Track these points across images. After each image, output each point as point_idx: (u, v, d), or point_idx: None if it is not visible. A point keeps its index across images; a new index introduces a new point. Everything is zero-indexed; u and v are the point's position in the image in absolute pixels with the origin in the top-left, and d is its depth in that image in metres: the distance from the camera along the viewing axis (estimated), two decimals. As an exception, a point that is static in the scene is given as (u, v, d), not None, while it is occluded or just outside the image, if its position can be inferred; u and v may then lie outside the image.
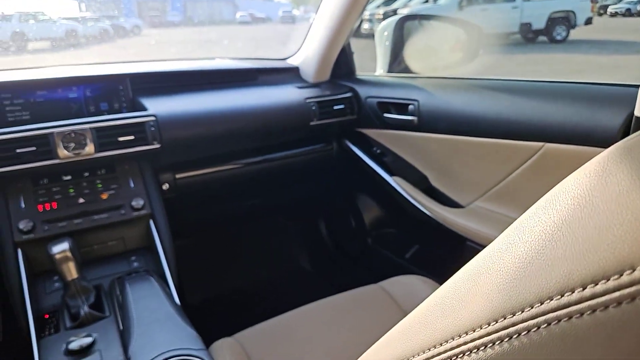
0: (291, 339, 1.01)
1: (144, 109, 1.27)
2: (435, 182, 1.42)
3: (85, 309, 0.93)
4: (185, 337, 0.84)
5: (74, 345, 0.84)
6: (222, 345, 0.99)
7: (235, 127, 1.36)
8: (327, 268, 2.03)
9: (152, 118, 1.22)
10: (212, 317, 1.78)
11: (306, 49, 1.63)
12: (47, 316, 0.98)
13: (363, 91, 1.56)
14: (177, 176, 1.35)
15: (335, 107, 1.53)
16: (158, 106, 1.28)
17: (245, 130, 1.37)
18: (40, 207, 1.10)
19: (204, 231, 1.89)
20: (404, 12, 7.79)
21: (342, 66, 1.65)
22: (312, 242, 2.09)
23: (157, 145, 1.22)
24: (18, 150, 1.07)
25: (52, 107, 1.25)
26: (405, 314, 1.11)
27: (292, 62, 1.70)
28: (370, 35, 1.74)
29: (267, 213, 2.02)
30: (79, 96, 1.28)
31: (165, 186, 1.33)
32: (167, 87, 1.44)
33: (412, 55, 1.58)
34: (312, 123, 1.49)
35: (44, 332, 0.93)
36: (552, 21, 6.92)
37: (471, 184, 1.32)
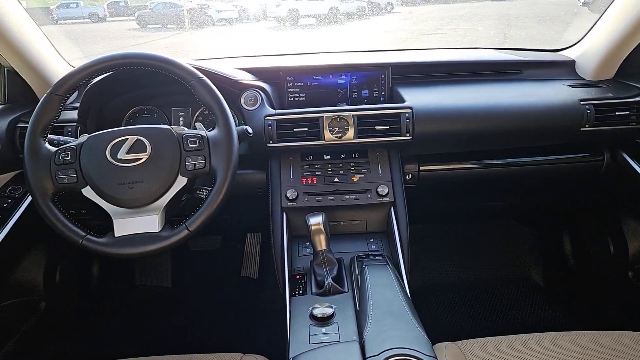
0: None
1: (401, 100, 1.30)
2: None
3: (329, 281, 1.04)
4: (417, 338, 0.85)
5: (318, 312, 0.94)
6: (445, 350, 0.97)
7: (492, 126, 1.27)
8: (563, 290, 1.78)
9: (408, 110, 1.24)
10: (428, 303, 1.79)
11: (590, 40, 1.39)
12: (297, 277, 1.13)
13: None
14: (422, 168, 1.36)
15: (618, 113, 1.27)
16: (414, 97, 1.29)
17: (503, 130, 1.27)
18: (303, 180, 1.27)
19: (435, 221, 1.88)
20: None
21: (633, 62, 1.36)
22: (550, 256, 1.86)
23: (408, 137, 1.24)
24: (295, 129, 1.24)
25: (323, 91, 1.39)
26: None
27: (568, 54, 1.48)
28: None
29: (504, 216, 1.88)
30: (346, 82, 1.39)
31: (409, 176, 1.35)
32: (425, 78, 1.44)
33: None
34: (582, 129, 1.28)
35: (294, 290, 1.08)
36: None
37: None
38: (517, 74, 1.46)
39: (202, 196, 1.06)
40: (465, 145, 1.32)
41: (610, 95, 1.30)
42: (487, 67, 1.48)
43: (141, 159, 0.96)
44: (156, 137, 0.98)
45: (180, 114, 1.39)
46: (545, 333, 1.00)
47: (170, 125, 1.34)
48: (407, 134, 1.24)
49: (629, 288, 1.46)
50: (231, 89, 1.29)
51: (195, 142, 0.97)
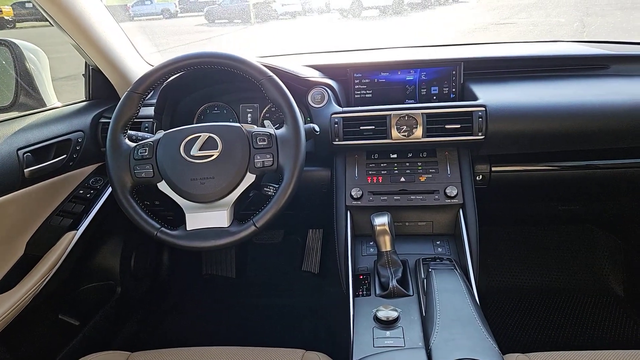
0: None
1: (474, 97, 1.24)
2: None
3: (393, 283, 1.02)
4: (486, 348, 0.81)
5: (382, 314, 0.93)
6: None
7: (574, 126, 1.18)
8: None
9: (482, 108, 1.18)
10: (495, 309, 1.72)
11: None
12: (361, 277, 1.12)
13: None
14: (494, 169, 1.30)
15: None
16: (488, 95, 1.23)
17: (586, 130, 1.18)
18: (368, 179, 1.25)
19: (506, 223, 1.80)
20: None
21: None
22: (634, 266, 1.72)
23: (480, 137, 1.18)
24: (361, 127, 1.22)
25: (390, 88, 1.36)
26: None
27: (664, 47, 1.34)
28: None
29: (582, 221, 1.76)
30: (414, 79, 1.35)
31: (479, 177, 1.29)
32: (499, 74, 1.37)
33: None
34: None
35: (357, 291, 1.07)
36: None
37: None
38: (603, 69, 1.35)
39: (270, 193, 1.08)
40: (543, 146, 1.24)
41: None
42: (570, 61, 1.38)
43: (212, 155, 0.99)
44: (227, 134, 1.00)
45: (249, 110, 1.42)
46: (624, 351, 0.93)
47: (238, 121, 1.37)
48: (480, 134, 1.18)
49: None
50: (299, 86, 1.29)
51: (264, 140, 0.99)
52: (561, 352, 0.94)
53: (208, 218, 0.99)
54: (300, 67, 1.35)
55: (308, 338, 1.65)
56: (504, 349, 0.94)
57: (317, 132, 1.10)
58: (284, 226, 1.97)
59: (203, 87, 1.41)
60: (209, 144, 0.99)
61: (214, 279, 2.00)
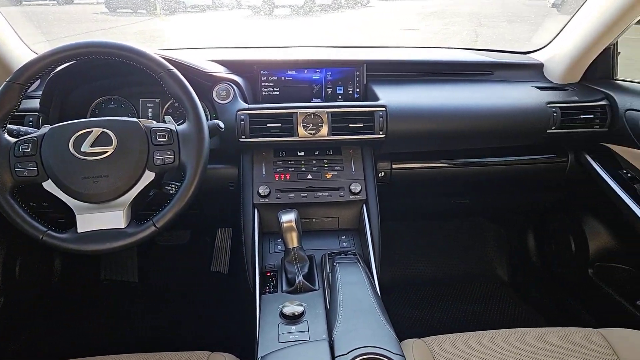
0: None
1: (376, 97, 1.30)
2: None
3: (300, 278, 1.03)
4: (385, 336, 0.86)
5: (288, 310, 0.94)
6: (413, 346, 0.99)
7: (463, 126, 1.29)
8: (528, 287, 1.84)
9: (382, 108, 1.24)
10: (398, 299, 1.82)
11: (558, 44, 1.42)
12: (268, 274, 1.12)
13: (623, 101, 1.30)
14: (394, 166, 1.37)
15: (582, 116, 1.32)
16: (388, 96, 1.30)
17: (473, 131, 1.29)
18: (276, 177, 1.25)
19: (406, 218, 1.90)
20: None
21: (598, 67, 1.40)
22: (516, 254, 1.92)
23: (381, 136, 1.24)
24: (268, 125, 1.22)
25: (297, 86, 1.38)
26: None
27: (537, 57, 1.51)
28: None
29: (473, 214, 1.92)
30: (321, 78, 1.38)
31: (381, 174, 1.36)
32: (399, 76, 1.45)
33: None
34: (549, 131, 1.31)
35: (264, 288, 1.07)
36: None
37: None
38: (488, 75, 1.48)
39: (171, 192, 1.04)
40: (438, 145, 1.34)
41: (576, 98, 1.34)
42: (460, 67, 1.50)
43: (106, 152, 0.92)
44: (122, 129, 0.94)
45: (149, 105, 1.35)
46: (510, 329, 1.03)
47: (138, 117, 1.30)
48: (381, 132, 1.24)
49: (589, 285, 1.52)
50: (203, 81, 1.26)
51: (164, 136, 0.95)
52: (454, 334, 1.02)
53: (102, 219, 0.93)
54: (204, 62, 1.31)
55: (217, 339, 1.62)
56: (404, 337, 1.00)
57: (222, 128, 1.08)
58: (191, 226, 1.90)
59: (98, 78, 1.31)
60: (102, 140, 0.93)
61: (114, 284, 1.87)
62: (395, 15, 8.25)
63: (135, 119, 0.96)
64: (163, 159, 0.94)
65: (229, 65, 1.36)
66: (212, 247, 1.93)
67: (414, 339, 1.00)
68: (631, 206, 1.24)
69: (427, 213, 1.85)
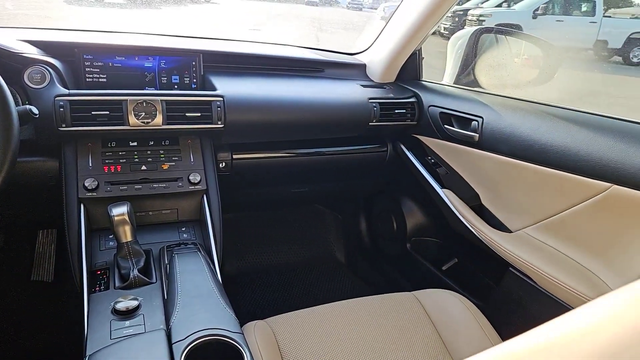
0: (321, 333, 1.03)
1: (213, 88, 1.31)
2: (486, 202, 1.39)
3: (134, 273, 0.99)
4: (224, 318, 0.88)
5: (121, 305, 0.89)
6: (255, 328, 1.03)
7: (297, 118, 1.37)
8: (361, 265, 2.04)
9: (220, 98, 1.25)
10: (244, 288, 1.86)
11: (377, 48, 1.61)
12: (98, 272, 1.04)
13: (427, 98, 1.54)
14: (235, 156, 1.39)
15: (397, 111, 1.52)
16: (226, 86, 1.31)
17: (306, 122, 1.39)
18: (105, 169, 1.17)
19: (249, 209, 1.94)
20: (475, 13, 7.53)
21: (409, 70, 1.63)
22: (350, 236, 2.11)
23: (220, 125, 1.26)
24: (93, 112, 1.13)
25: (127, 74, 1.30)
26: (435, 327, 1.11)
27: (361, 58, 1.69)
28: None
29: (311, 201, 2.06)
30: (154, 66, 1.33)
31: (222, 164, 1.37)
32: (237, 68, 1.47)
33: (482, 69, 1.54)
34: (371, 123, 1.48)
35: (94, 287, 1.00)
36: (630, 41, 6.66)
37: (523, 210, 1.28)
38: (320, 72, 1.61)
39: None
40: (275, 135, 1.41)
41: (392, 95, 1.54)
42: (295, 63, 1.59)
43: None
44: None
45: None
46: (342, 301, 1.15)
47: None
48: (219, 122, 1.25)
49: (407, 257, 1.76)
50: (11, 63, 1.11)
51: None
52: (294, 312, 1.09)
53: None
54: (13, 41, 1.15)
55: (42, 353, 1.44)
56: (248, 321, 1.04)
57: (36, 114, 0.97)
58: (4, 229, 1.65)
59: None
60: None
61: None
62: (241, 14, 8.26)
63: None
64: None
65: (43, 47, 1.22)
66: (33, 253, 1.70)
67: (256, 321, 1.05)
68: (435, 187, 1.48)
69: (270, 202, 1.92)
